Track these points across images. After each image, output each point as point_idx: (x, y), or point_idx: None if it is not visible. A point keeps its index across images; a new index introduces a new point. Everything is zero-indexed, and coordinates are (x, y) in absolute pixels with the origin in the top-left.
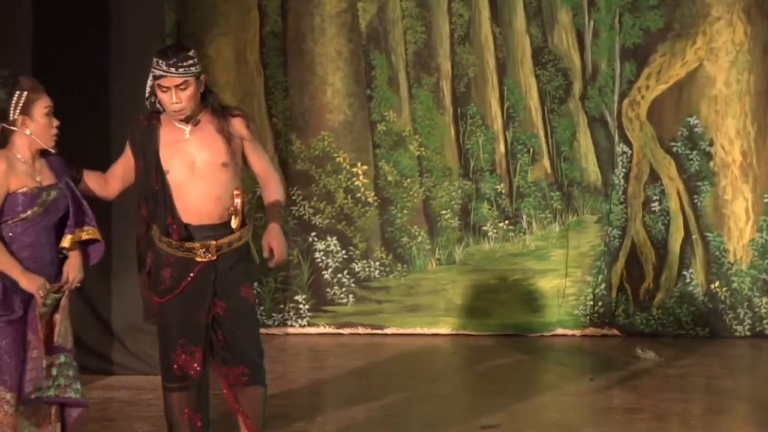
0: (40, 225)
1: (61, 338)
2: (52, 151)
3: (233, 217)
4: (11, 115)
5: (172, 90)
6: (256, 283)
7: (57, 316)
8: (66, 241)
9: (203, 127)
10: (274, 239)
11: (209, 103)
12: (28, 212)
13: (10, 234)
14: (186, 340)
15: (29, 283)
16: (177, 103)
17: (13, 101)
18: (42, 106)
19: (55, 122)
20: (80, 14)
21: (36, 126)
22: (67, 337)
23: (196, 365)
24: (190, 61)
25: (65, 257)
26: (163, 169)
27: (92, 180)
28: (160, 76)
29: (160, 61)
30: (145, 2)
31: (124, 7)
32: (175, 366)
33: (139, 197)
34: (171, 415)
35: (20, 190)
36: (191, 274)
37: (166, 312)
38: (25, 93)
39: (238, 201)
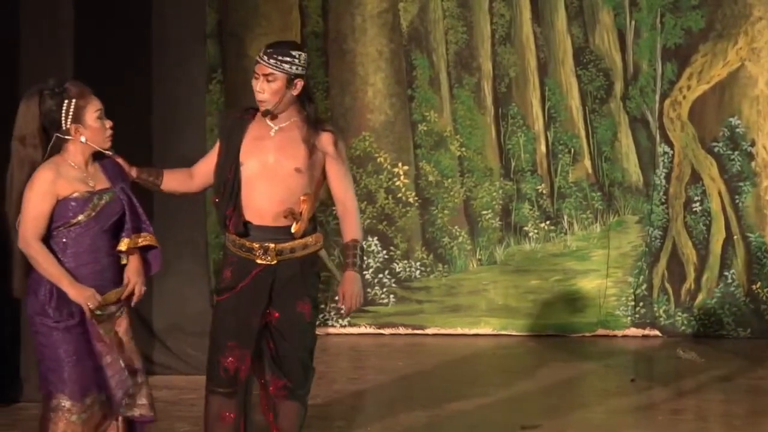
0: (94, 229)
1: (135, 356)
2: (108, 153)
3: (294, 221)
4: (63, 124)
5: (261, 78)
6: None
7: (122, 337)
8: (123, 245)
9: (290, 130)
10: (348, 288)
11: (305, 111)
12: (80, 217)
13: (64, 240)
14: (236, 343)
15: (77, 293)
16: (260, 92)
17: (63, 111)
18: (93, 110)
19: (108, 123)
20: (121, 14)
21: (90, 131)
22: (134, 358)
23: (244, 368)
24: (287, 58)
25: (124, 264)
26: (239, 161)
27: (173, 179)
28: (256, 62)
29: (263, 48)
30: (186, 2)
31: (165, 7)
32: (221, 368)
33: (215, 187)
34: (208, 416)
35: (71, 196)
36: (249, 276)
37: (220, 311)
38: (74, 101)
39: (303, 207)
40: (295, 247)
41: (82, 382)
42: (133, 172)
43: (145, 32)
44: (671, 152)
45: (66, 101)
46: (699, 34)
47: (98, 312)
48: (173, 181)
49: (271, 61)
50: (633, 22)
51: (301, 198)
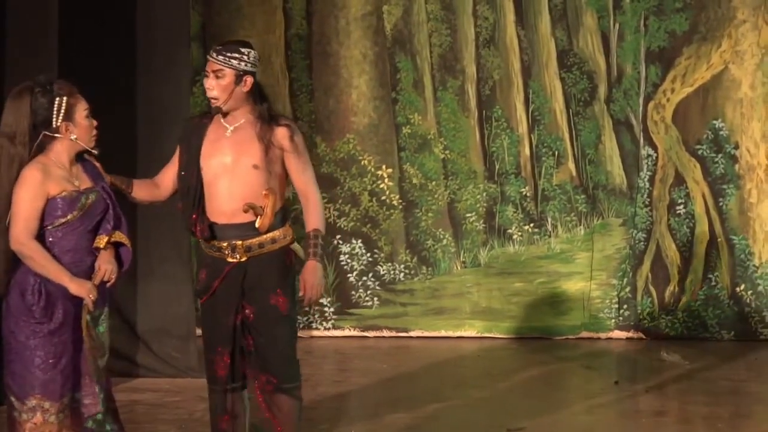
0: (79, 229)
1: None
2: (94, 151)
3: (257, 216)
4: (54, 122)
5: (211, 75)
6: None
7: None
8: (100, 241)
9: (245, 128)
10: (309, 278)
11: (258, 108)
12: (68, 216)
13: (51, 239)
14: (217, 342)
15: (79, 288)
16: (210, 89)
17: (55, 108)
18: (82, 109)
19: (94, 123)
20: (106, 16)
21: (79, 130)
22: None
23: (222, 366)
24: (236, 54)
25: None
26: (200, 165)
27: (142, 189)
28: (207, 60)
29: (213, 47)
30: (170, 4)
31: (149, 10)
32: (213, 367)
33: (179, 193)
34: (212, 415)
35: (60, 195)
36: (222, 275)
37: (203, 313)
38: (65, 98)
39: (265, 202)
40: (263, 242)
41: (60, 383)
42: (106, 179)
43: (130, 35)
44: (655, 155)
45: (57, 99)
46: (683, 37)
47: (89, 317)
48: (141, 191)
49: (220, 57)
50: (617, 25)
51: (263, 193)
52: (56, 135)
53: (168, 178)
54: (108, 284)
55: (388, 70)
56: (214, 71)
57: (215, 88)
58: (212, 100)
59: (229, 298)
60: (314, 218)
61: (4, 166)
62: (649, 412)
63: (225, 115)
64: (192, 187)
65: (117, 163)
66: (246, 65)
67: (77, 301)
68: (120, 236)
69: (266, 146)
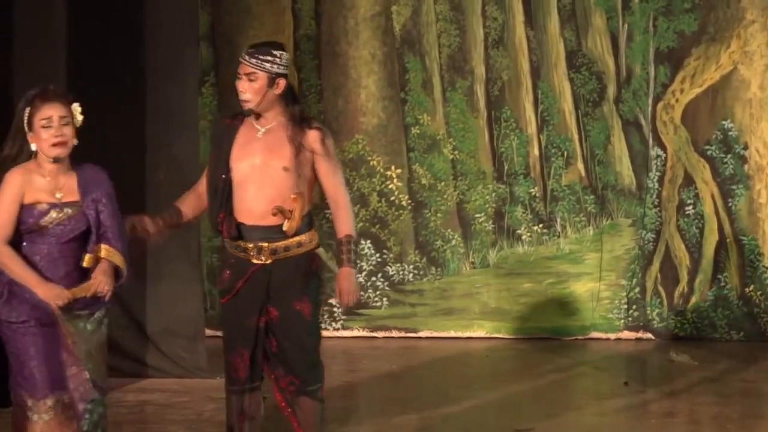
0: (50, 239)
1: (95, 373)
2: (54, 157)
3: (285, 220)
4: (27, 132)
5: (243, 78)
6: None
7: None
8: (86, 261)
9: (276, 130)
10: (344, 284)
11: (290, 111)
12: (36, 227)
13: (25, 243)
14: (237, 342)
15: (45, 292)
16: (242, 92)
17: (24, 120)
18: (39, 118)
19: (54, 132)
20: (114, 16)
21: (38, 140)
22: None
23: (243, 367)
24: (268, 57)
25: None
26: (229, 166)
27: (188, 207)
28: (239, 63)
29: (245, 48)
30: (179, 5)
31: (158, 10)
32: (231, 367)
33: (208, 193)
34: (229, 416)
35: (32, 204)
36: (246, 276)
37: (224, 313)
38: (28, 109)
39: (294, 206)
40: (289, 245)
41: (41, 381)
42: (153, 228)
43: (138, 35)
44: (664, 155)
45: (26, 110)
46: (692, 38)
47: (65, 316)
48: (190, 210)
49: (252, 60)
50: (626, 26)
51: (292, 197)
52: (31, 144)
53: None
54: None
55: (397, 70)
56: (246, 74)
57: (248, 91)
58: (244, 103)
59: (253, 299)
60: (345, 223)
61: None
62: (658, 413)
63: (257, 116)
64: (220, 188)
65: (125, 164)
66: (279, 68)
67: (44, 304)
68: (107, 251)
69: (297, 149)
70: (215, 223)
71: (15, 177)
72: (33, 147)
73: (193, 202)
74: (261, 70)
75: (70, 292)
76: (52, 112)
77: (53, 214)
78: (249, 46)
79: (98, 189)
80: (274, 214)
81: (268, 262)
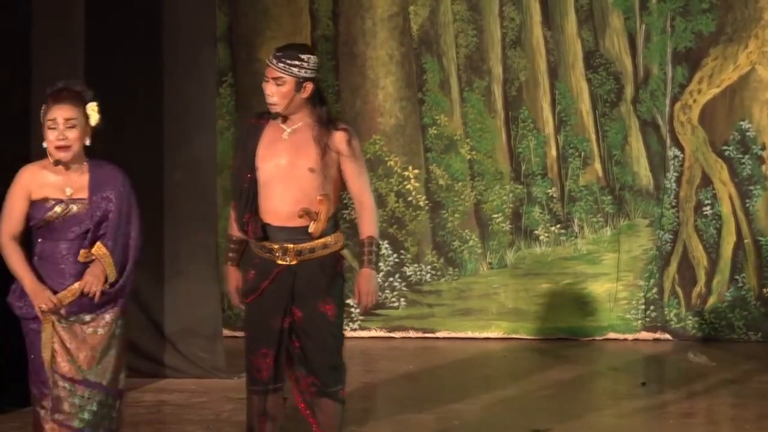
0: (55, 236)
1: (94, 373)
2: (56, 159)
3: (311, 221)
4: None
5: (270, 82)
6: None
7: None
8: (81, 256)
9: (302, 131)
10: (363, 285)
11: (317, 112)
12: (42, 222)
13: (39, 239)
14: (261, 343)
15: (33, 293)
16: (270, 96)
17: (41, 115)
18: (47, 118)
19: (59, 135)
20: (132, 17)
21: (45, 139)
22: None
23: (266, 368)
24: (296, 62)
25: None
26: (254, 166)
27: (236, 229)
28: (266, 66)
29: (273, 51)
30: (196, 5)
31: (175, 11)
32: (254, 368)
33: (233, 193)
34: (249, 416)
35: (38, 200)
36: (271, 277)
37: (248, 312)
38: (43, 107)
39: (320, 208)
40: (314, 247)
41: (42, 377)
42: (237, 278)
43: (156, 36)
44: (682, 156)
45: (43, 107)
46: (709, 38)
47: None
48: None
49: (280, 64)
50: (643, 26)
51: (318, 198)
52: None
53: None
54: (94, 297)
55: (414, 70)
56: (273, 78)
57: (275, 94)
58: (271, 106)
59: (278, 300)
60: (369, 225)
61: None
62: (676, 414)
63: (284, 118)
64: (246, 188)
65: (143, 164)
66: (306, 72)
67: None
68: (99, 251)
69: (323, 150)
70: (241, 224)
71: (24, 174)
72: (44, 144)
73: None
74: (288, 75)
75: (57, 298)
76: (57, 113)
77: (57, 209)
78: (276, 48)
79: (110, 187)
80: (301, 216)
81: (294, 263)
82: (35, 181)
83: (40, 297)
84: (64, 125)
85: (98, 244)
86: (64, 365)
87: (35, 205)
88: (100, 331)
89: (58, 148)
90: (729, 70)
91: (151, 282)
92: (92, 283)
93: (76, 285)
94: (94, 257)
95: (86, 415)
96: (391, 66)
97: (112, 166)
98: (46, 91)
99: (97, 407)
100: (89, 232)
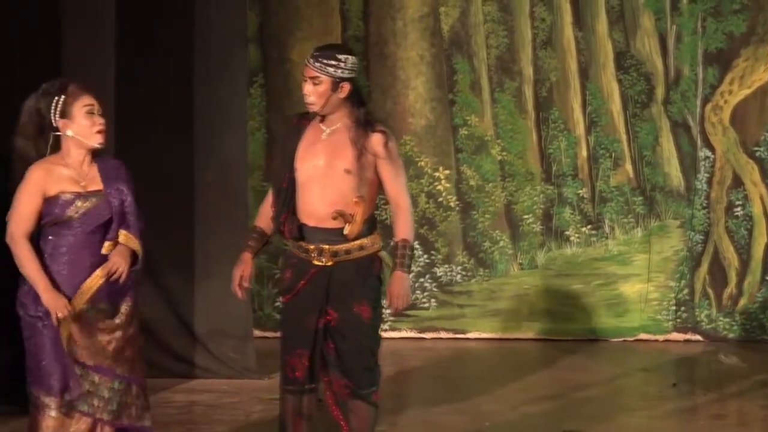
0: (77, 230)
1: (115, 363)
2: (97, 145)
3: (346, 223)
4: (53, 121)
5: (308, 81)
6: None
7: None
8: (105, 248)
9: (340, 132)
10: (395, 288)
11: (355, 113)
12: (64, 217)
13: (50, 237)
14: (296, 343)
15: (50, 300)
16: (307, 95)
17: (52, 108)
18: (81, 105)
19: (98, 120)
20: (164, 17)
21: (77, 126)
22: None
23: (300, 368)
24: (332, 62)
25: None
26: (293, 166)
27: (266, 222)
28: (305, 65)
29: (311, 51)
30: (227, 6)
31: (206, 11)
32: (288, 367)
33: (273, 193)
34: (283, 416)
35: (57, 196)
36: (307, 277)
37: (284, 312)
38: (62, 97)
39: (356, 210)
40: (350, 248)
41: (56, 377)
42: (249, 265)
43: (187, 36)
44: (713, 157)
45: (55, 98)
46: (740, 39)
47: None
48: (266, 225)
49: (317, 64)
50: (674, 27)
51: (354, 200)
52: (58, 134)
53: None
54: (119, 279)
55: (445, 71)
56: (311, 77)
57: (312, 94)
58: (309, 105)
59: (313, 300)
60: (404, 228)
61: (17, 164)
62: (707, 415)
63: (322, 118)
64: (284, 188)
65: (174, 164)
66: (343, 72)
67: (67, 294)
68: (126, 237)
69: (359, 151)
70: (278, 224)
71: (36, 172)
72: (69, 133)
73: (269, 217)
74: (324, 75)
75: (72, 305)
76: (92, 100)
77: (78, 203)
78: (315, 48)
79: (119, 178)
80: (335, 218)
81: (329, 264)
82: (50, 178)
83: (57, 304)
84: (98, 111)
85: (123, 232)
86: (87, 358)
87: (51, 202)
88: (117, 320)
89: (100, 132)
90: (760, 71)
91: (182, 282)
92: (120, 263)
93: (99, 271)
94: (122, 241)
95: (113, 406)
96: (421, 67)
97: (113, 159)
98: (50, 87)
99: (120, 396)
100: (111, 223)
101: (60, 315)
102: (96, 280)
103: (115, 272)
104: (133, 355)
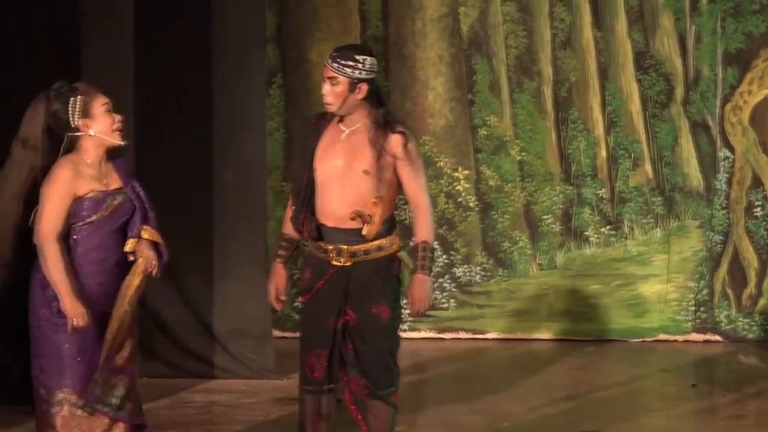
0: (105, 228)
1: (121, 357)
2: (120, 143)
3: (364, 224)
4: (72, 122)
5: (326, 81)
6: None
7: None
8: (130, 245)
9: (360, 132)
10: (416, 291)
11: (374, 114)
12: (94, 216)
13: (75, 236)
14: (315, 343)
15: (71, 306)
16: (325, 95)
17: (70, 108)
18: (99, 104)
19: (117, 117)
20: (182, 18)
21: (98, 124)
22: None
23: (319, 368)
24: (350, 62)
25: (132, 262)
26: (312, 166)
27: (291, 229)
28: (324, 65)
29: (330, 51)
30: (246, 5)
31: (224, 11)
32: (306, 367)
33: (292, 193)
34: (302, 416)
35: (87, 195)
36: (325, 277)
37: (303, 312)
38: (80, 97)
39: (374, 210)
40: (369, 249)
41: (87, 376)
42: (283, 276)
43: (206, 36)
44: (732, 157)
45: (72, 99)
46: (760, 39)
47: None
48: (293, 231)
49: (334, 65)
50: (693, 27)
51: (372, 201)
52: (78, 134)
53: None
54: (155, 274)
55: (464, 71)
56: (329, 78)
57: (330, 94)
58: (327, 106)
59: (332, 300)
60: (424, 229)
61: (14, 169)
62: (726, 416)
63: (342, 118)
64: (303, 188)
65: (193, 165)
66: (360, 73)
67: (102, 298)
68: (150, 233)
69: (378, 152)
70: (296, 223)
71: (65, 172)
72: (92, 132)
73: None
74: (342, 75)
75: (122, 294)
76: (107, 98)
77: (108, 201)
78: (334, 48)
79: (131, 175)
80: (353, 219)
81: (348, 264)
82: (79, 177)
83: (77, 312)
84: (114, 110)
85: (146, 228)
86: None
87: (81, 201)
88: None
89: (119, 130)
90: None
91: (201, 283)
92: (154, 257)
93: (137, 268)
94: (146, 237)
95: (115, 401)
96: (440, 67)
97: (121, 158)
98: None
99: (125, 390)
100: (134, 221)
101: (77, 323)
102: (135, 278)
103: (152, 268)
104: (134, 348)
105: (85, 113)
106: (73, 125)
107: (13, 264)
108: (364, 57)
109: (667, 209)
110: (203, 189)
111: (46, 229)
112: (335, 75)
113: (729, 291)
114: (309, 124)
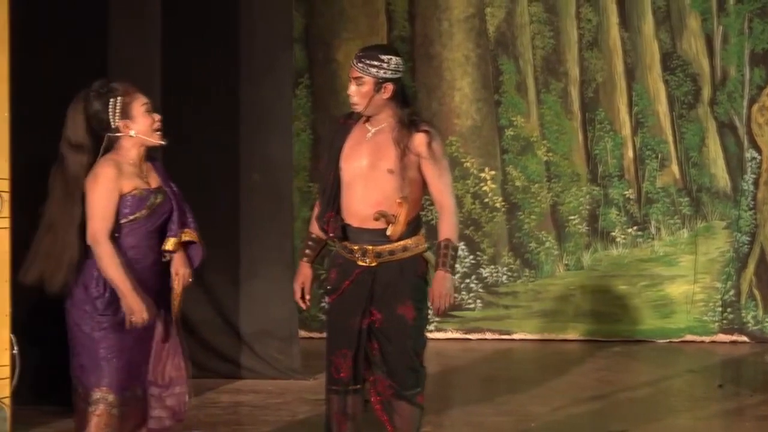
0: (144, 227)
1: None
2: (160, 142)
3: (389, 224)
4: (113, 123)
5: (352, 81)
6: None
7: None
8: (170, 244)
9: (385, 132)
10: (437, 288)
11: (399, 113)
12: (136, 215)
13: (116, 235)
14: (341, 343)
15: (134, 303)
16: (351, 95)
17: (110, 109)
18: (139, 104)
19: (157, 117)
20: (210, 19)
21: (138, 125)
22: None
23: (345, 368)
24: (375, 62)
25: (168, 261)
26: (339, 165)
27: (317, 227)
28: (350, 66)
29: (356, 51)
30: (273, 6)
31: (251, 12)
32: (333, 367)
33: (319, 191)
34: (328, 416)
35: (131, 193)
36: (351, 278)
37: (329, 313)
38: (119, 98)
39: (399, 210)
40: (394, 249)
41: (125, 376)
42: (309, 276)
43: (233, 36)
44: (759, 157)
45: (112, 100)
46: None
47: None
48: (320, 231)
49: (360, 65)
50: (720, 27)
51: (397, 201)
52: (118, 134)
53: None
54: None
55: (490, 72)
56: (354, 78)
57: (355, 94)
58: (353, 106)
59: (358, 300)
60: (447, 228)
61: (72, 173)
62: (753, 417)
63: (368, 118)
64: (329, 187)
65: (220, 166)
66: (386, 73)
67: (149, 296)
68: (190, 234)
69: (402, 152)
70: (322, 222)
71: (108, 170)
72: (132, 133)
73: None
74: (367, 75)
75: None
76: (146, 99)
77: (151, 199)
78: (360, 49)
79: (167, 176)
80: (377, 219)
81: (373, 264)
82: (123, 175)
83: (140, 308)
84: (153, 110)
85: (187, 230)
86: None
87: (126, 199)
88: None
89: (159, 129)
90: None
91: (227, 284)
92: (189, 274)
93: (179, 279)
94: (186, 239)
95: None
96: (467, 67)
97: (155, 160)
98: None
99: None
100: (172, 220)
101: (134, 320)
102: (180, 287)
103: (187, 285)
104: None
105: (126, 114)
106: (113, 126)
107: (79, 265)
108: (390, 57)
109: (694, 210)
110: (230, 190)
111: (98, 228)
112: (361, 75)
113: (756, 292)
114: (337, 124)
